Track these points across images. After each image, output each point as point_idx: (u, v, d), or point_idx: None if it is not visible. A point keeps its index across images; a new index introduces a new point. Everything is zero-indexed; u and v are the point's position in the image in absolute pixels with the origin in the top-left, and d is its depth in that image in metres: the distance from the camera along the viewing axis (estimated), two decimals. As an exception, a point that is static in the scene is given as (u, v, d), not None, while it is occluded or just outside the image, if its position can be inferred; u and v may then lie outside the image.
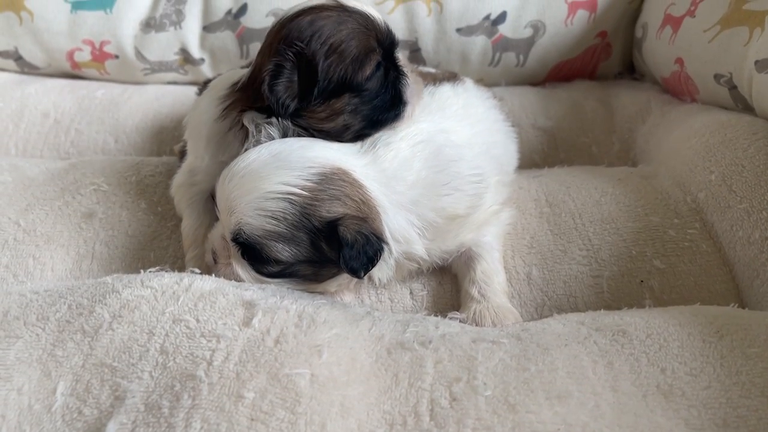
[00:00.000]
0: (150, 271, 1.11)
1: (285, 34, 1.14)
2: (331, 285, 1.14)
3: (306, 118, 1.16)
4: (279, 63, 1.11)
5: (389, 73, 1.20)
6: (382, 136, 1.18)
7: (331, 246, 1.05)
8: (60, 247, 1.30)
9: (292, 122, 1.16)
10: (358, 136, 1.18)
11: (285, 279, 1.11)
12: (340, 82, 1.13)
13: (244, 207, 1.05)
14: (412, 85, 1.22)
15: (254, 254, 1.08)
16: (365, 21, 1.15)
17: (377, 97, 1.17)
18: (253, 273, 1.11)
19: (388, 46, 1.19)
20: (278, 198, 1.03)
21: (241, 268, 1.12)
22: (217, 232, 1.16)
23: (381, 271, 1.13)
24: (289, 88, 1.12)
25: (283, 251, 1.06)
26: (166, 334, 0.95)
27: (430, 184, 1.15)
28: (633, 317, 1.04)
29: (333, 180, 1.06)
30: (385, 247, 1.07)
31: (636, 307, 1.15)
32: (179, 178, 1.34)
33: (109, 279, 1.08)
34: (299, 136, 1.17)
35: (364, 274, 1.06)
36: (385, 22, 1.19)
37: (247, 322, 0.97)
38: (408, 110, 1.21)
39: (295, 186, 1.04)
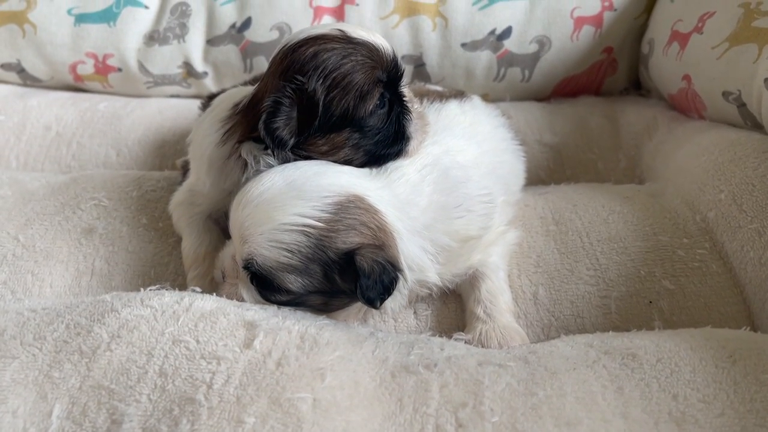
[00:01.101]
0: (150, 290, 1.09)
1: (287, 66, 1.11)
2: (340, 315, 1.12)
3: (306, 151, 1.14)
4: (277, 99, 1.08)
5: (393, 108, 1.17)
6: None
7: (344, 277, 1.03)
8: (59, 263, 1.28)
9: (292, 152, 1.13)
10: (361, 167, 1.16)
11: (292, 308, 1.09)
12: (341, 116, 1.10)
13: (257, 237, 1.03)
14: (416, 120, 1.19)
15: (264, 283, 1.06)
16: (370, 53, 1.12)
17: (380, 133, 1.14)
18: (259, 298, 1.09)
19: (393, 79, 1.16)
20: (293, 230, 1.01)
21: (246, 292, 1.09)
22: (228, 252, 1.14)
23: (394, 300, 1.10)
24: (288, 125, 1.09)
25: (295, 282, 1.03)
26: (166, 356, 0.93)
27: (442, 208, 1.13)
28: (643, 340, 1.02)
29: (349, 209, 1.03)
30: (400, 275, 1.04)
31: (645, 328, 1.13)
32: (179, 196, 1.31)
33: (108, 297, 1.06)
34: None
35: (380, 304, 1.04)
36: (392, 53, 1.16)
37: (248, 344, 0.95)
38: (411, 145, 1.18)
39: (310, 217, 1.01)
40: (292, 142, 1.11)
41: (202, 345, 0.95)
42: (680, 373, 0.93)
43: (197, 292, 1.10)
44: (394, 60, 1.16)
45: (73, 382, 0.90)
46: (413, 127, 1.18)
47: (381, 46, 1.14)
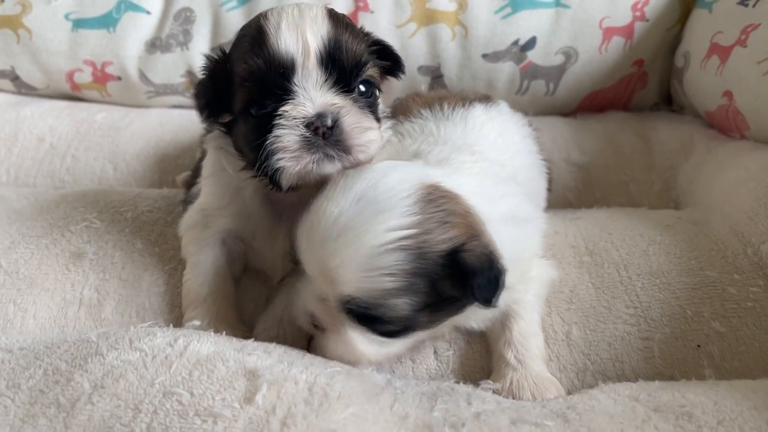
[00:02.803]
0: (141, 327, 0.98)
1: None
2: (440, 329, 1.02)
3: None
4: (205, 68, 1.07)
5: (264, 117, 0.97)
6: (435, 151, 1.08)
7: (452, 282, 0.89)
8: (44, 291, 1.17)
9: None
10: None
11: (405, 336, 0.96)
12: (230, 101, 1.02)
13: (351, 274, 0.88)
14: (288, 135, 0.95)
15: (372, 318, 0.92)
16: (261, 40, 0.96)
17: (244, 137, 1.03)
18: (375, 337, 0.94)
19: (273, 79, 0.96)
20: (390, 249, 0.87)
21: (359, 337, 0.94)
22: (310, 295, 0.97)
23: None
24: (205, 95, 1.04)
25: (404, 306, 0.89)
26: (155, 411, 0.81)
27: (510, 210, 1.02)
28: (697, 395, 0.90)
29: (432, 200, 0.90)
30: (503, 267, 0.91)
31: (693, 375, 1.03)
32: (192, 217, 1.18)
33: (93, 337, 0.94)
34: None
35: (497, 301, 0.90)
36: (292, 51, 0.95)
37: (249, 398, 0.83)
38: (287, 173, 0.96)
39: (401, 228, 0.87)
40: (206, 112, 1.05)
41: (196, 399, 0.83)
42: (746, 439, 0.81)
43: (195, 326, 0.98)
44: (284, 62, 0.95)
45: (48, 442, 0.79)
46: (288, 155, 0.96)
47: (275, 36, 0.95)
